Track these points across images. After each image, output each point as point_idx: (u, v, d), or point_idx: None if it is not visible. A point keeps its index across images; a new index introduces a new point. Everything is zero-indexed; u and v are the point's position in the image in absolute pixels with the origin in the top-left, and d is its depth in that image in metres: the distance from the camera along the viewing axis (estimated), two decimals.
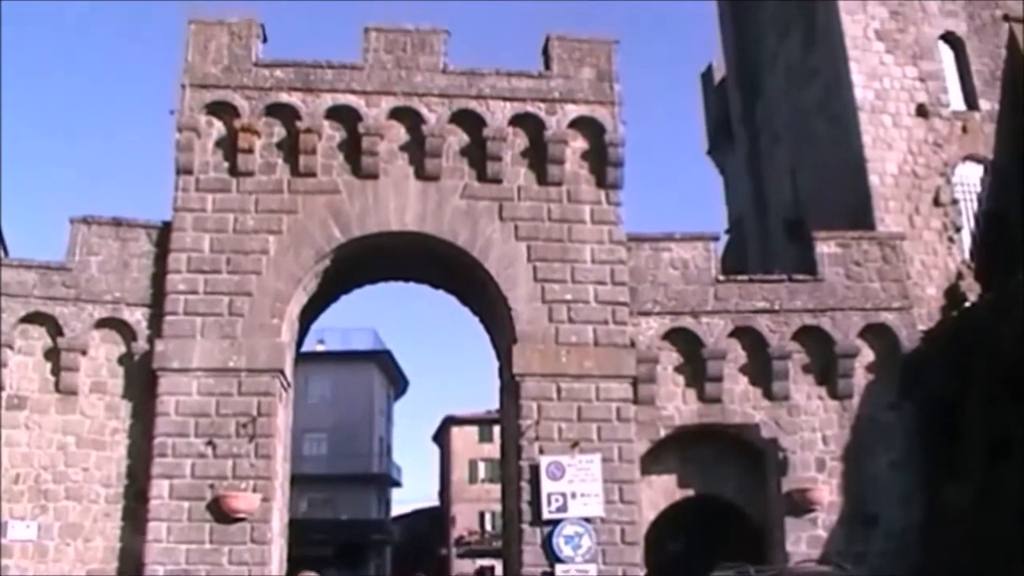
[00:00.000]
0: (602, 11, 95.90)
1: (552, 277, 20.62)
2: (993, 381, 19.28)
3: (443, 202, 20.84)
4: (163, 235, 20.45)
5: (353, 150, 21.00)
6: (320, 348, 55.58)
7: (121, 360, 20.03)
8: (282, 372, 19.99)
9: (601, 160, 21.37)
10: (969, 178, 26.30)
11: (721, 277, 21.61)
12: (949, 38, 27.62)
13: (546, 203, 21.04)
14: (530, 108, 21.34)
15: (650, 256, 21.42)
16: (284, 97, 21.15)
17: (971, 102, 27.06)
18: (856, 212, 25.17)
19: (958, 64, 27.54)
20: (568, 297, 20.54)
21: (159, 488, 18.73)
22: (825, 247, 22.05)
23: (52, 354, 19.77)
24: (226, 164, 20.89)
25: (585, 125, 21.51)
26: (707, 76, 39.37)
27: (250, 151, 20.82)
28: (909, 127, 26.06)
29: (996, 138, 26.62)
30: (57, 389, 19.63)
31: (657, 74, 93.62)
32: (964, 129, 26.58)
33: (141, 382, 19.65)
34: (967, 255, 25.42)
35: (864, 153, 25.47)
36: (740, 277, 22.27)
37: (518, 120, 21.37)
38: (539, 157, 21.29)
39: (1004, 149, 26.45)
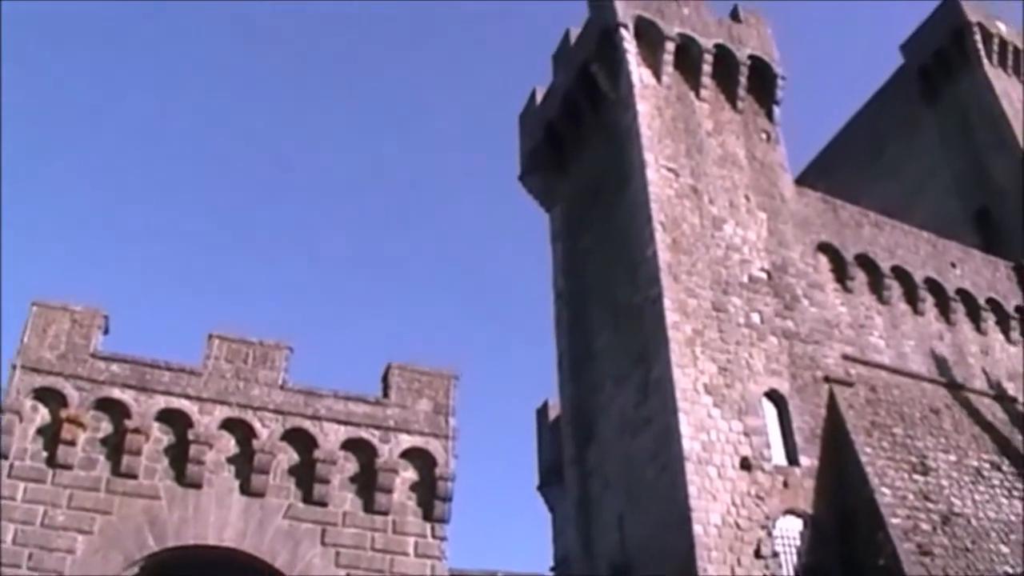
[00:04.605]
0: (446, 340, 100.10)
1: None
2: None
3: (265, 521, 21.29)
4: None
5: (179, 456, 21.45)
6: None
7: None
8: None
9: (430, 493, 22.41)
10: (789, 531, 27.84)
11: None
12: (773, 395, 30.09)
13: (371, 532, 21.71)
14: (364, 434, 22.50)
15: None
16: (116, 393, 21.59)
17: (792, 457, 29.16)
18: (680, 561, 26.32)
19: (781, 420, 29.86)
20: None
21: None
22: None
23: None
24: (45, 453, 20.90)
25: (417, 456, 22.72)
26: (543, 412, 41.36)
27: (72, 443, 20.96)
28: (733, 479, 27.74)
29: (815, 493, 28.51)
30: None
31: (494, 405, 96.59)
32: (785, 484, 28.44)
33: None
34: None
35: (690, 503, 26.81)
36: None
37: (351, 445, 22.41)
38: (368, 484, 22.22)
39: (822, 504, 28.34)
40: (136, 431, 21.17)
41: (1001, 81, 53.33)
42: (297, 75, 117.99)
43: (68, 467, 20.79)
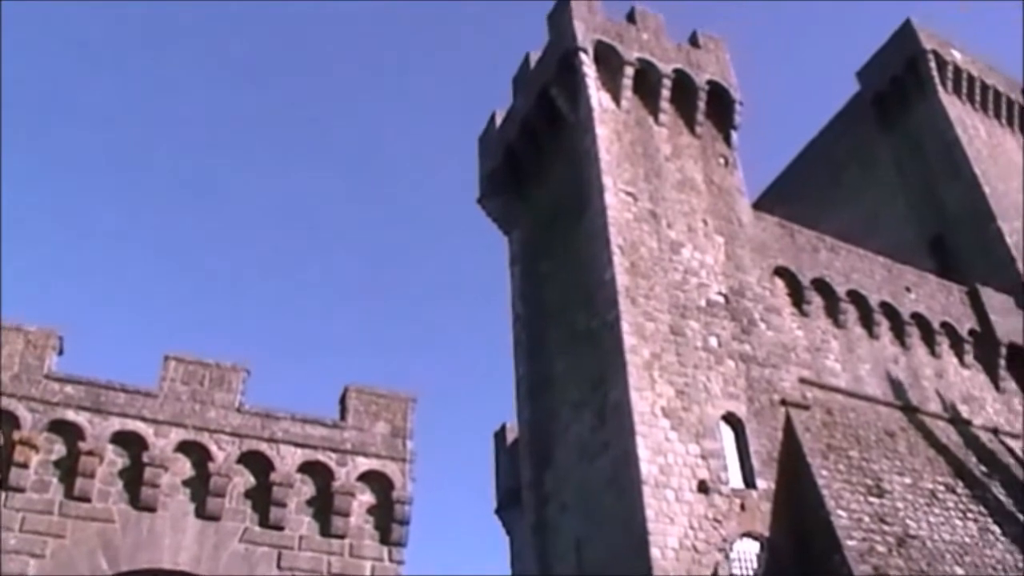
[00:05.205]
0: (403, 363, 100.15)
1: None
2: None
3: (221, 545, 21.15)
4: None
5: (134, 479, 21.22)
6: None
7: None
8: None
9: (387, 516, 22.35)
10: (747, 554, 28.08)
11: None
12: (730, 419, 30.37)
13: (327, 555, 21.61)
14: (321, 457, 22.35)
15: None
16: (71, 415, 21.33)
17: (749, 480, 29.44)
18: None
19: (738, 444, 30.16)
20: None
21: None
22: None
23: None
24: None
25: (374, 479, 22.63)
26: (500, 436, 41.38)
27: (25, 466, 20.71)
28: (691, 502, 27.93)
29: (772, 516, 28.78)
30: None
31: (452, 428, 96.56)
32: (742, 506, 28.69)
33: None
34: None
35: (647, 526, 26.95)
36: None
37: (307, 468, 22.27)
38: (325, 507, 22.09)
39: (779, 527, 28.61)
40: (90, 453, 20.92)
41: (956, 109, 54.35)
42: (267, 80, 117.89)
43: (20, 490, 20.51)
